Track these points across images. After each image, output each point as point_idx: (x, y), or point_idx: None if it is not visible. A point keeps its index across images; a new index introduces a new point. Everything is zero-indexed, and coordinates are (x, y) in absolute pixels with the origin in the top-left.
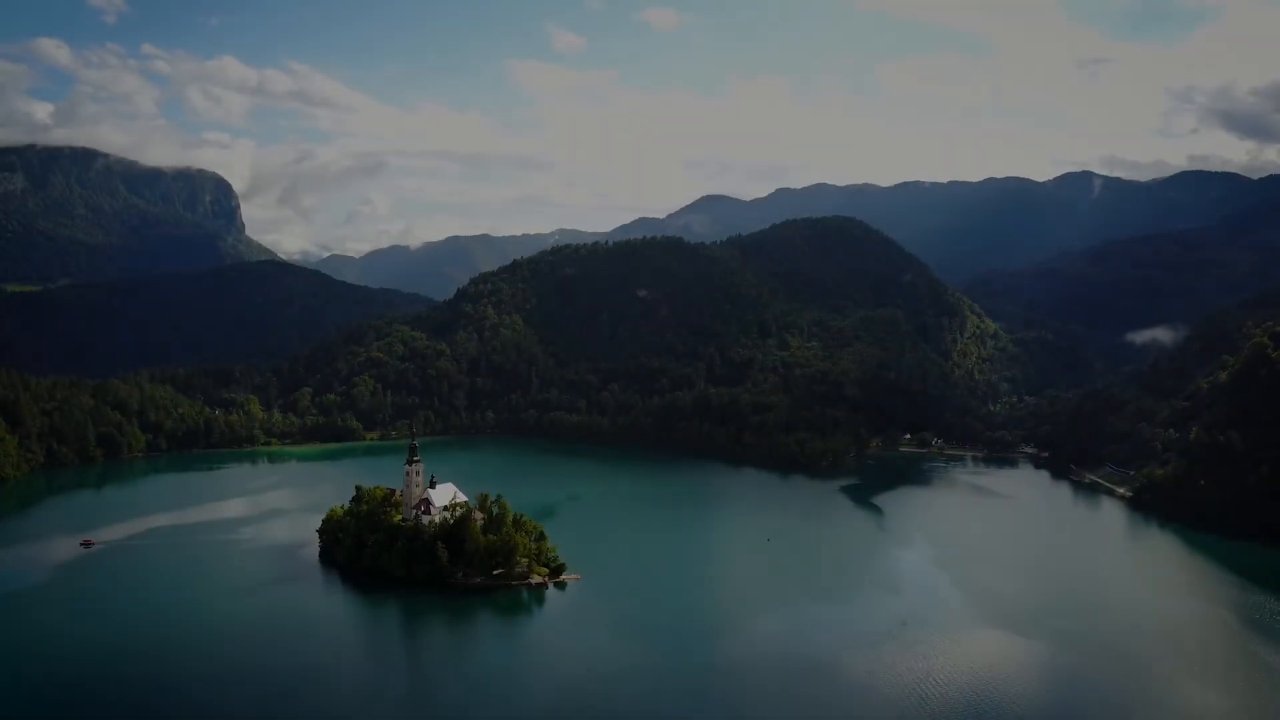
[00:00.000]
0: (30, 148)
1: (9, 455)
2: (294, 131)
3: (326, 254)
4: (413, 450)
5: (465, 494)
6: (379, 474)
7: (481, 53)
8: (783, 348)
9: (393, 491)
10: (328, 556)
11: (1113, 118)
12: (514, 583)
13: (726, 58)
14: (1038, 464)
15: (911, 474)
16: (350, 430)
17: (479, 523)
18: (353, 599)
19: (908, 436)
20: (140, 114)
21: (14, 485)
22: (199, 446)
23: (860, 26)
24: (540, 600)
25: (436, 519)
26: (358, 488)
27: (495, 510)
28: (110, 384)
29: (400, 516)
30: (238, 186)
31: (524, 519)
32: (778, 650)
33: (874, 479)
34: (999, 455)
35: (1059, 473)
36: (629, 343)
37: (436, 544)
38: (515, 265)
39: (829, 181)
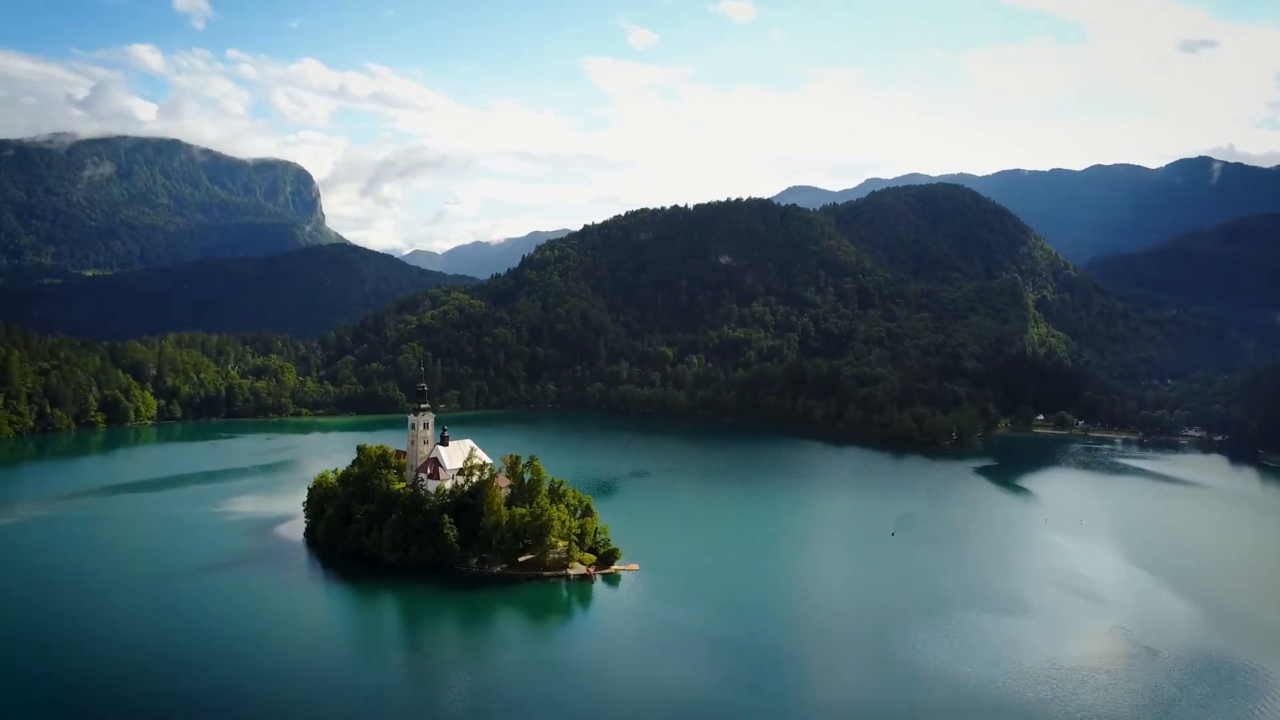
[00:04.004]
0: (120, 139)
1: None
2: (378, 132)
3: (410, 250)
4: (420, 396)
5: (491, 458)
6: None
7: (556, 51)
8: (888, 318)
9: (399, 454)
10: (314, 533)
11: (1220, 105)
12: (547, 573)
13: (805, 50)
14: (1206, 448)
15: (1057, 456)
16: (392, 401)
17: (503, 491)
18: (329, 588)
19: (1040, 417)
20: (231, 116)
21: None
22: (219, 415)
23: (947, 14)
24: (583, 598)
25: (446, 485)
26: (360, 448)
27: (527, 476)
28: (128, 346)
29: (402, 484)
30: (323, 184)
31: (564, 488)
32: (934, 679)
33: (1012, 460)
34: (1158, 438)
35: (1240, 457)
36: (709, 313)
37: (442, 518)
38: (585, 231)
39: (921, 171)
